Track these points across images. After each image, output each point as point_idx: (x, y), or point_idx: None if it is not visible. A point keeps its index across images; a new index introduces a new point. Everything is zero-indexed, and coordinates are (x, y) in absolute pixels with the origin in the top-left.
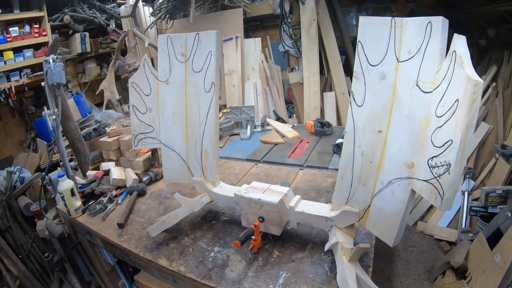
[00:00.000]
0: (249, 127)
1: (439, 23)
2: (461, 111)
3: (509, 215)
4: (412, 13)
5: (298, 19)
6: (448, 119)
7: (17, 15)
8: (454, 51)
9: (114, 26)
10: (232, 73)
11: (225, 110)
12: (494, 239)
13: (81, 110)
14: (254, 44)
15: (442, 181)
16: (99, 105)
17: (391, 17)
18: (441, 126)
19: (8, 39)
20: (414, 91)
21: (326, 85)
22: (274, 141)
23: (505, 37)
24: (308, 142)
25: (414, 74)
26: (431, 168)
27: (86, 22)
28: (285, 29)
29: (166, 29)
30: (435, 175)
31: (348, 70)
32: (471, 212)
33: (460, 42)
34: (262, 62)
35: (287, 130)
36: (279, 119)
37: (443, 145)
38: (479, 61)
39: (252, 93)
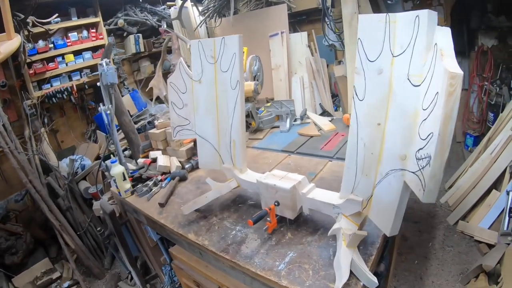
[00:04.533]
0: (288, 120)
1: (425, 16)
2: (439, 103)
3: None
4: (460, 1)
5: (340, 13)
6: (431, 112)
7: (75, 22)
8: (436, 43)
9: (165, 26)
10: (279, 67)
11: (267, 104)
12: None
13: (137, 105)
14: (300, 38)
15: (424, 173)
16: (157, 98)
17: (386, 14)
18: (425, 119)
19: (68, 44)
20: (406, 84)
21: None
22: (311, 133)
23: None
24: (342, 135)
25: (406, 68)
26: (417, 160)
27: (139, 24)
28: (327, 22)
29: (215, 27)
30: (420, 167)
31: None
32: (511, 214)
33: (442, 34)
34: (309, 56)
35: (324, 123)
36: (325, 112)
37: (426, 137)
38: None
39: (299, 86)
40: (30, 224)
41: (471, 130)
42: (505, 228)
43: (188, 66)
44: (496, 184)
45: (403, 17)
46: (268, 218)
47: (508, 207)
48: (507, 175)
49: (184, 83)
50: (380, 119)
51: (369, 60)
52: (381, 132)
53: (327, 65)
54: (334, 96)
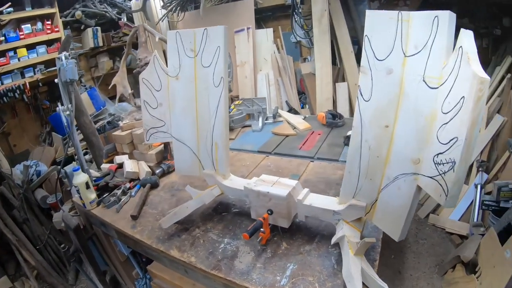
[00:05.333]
0: (260, 119)
1: (446, 17)
2: (466, 108)
3: None
4: (426, 2)
5: (310, 9)
6: (454, 116)
7: (29, 12)
8: (461, 46)
9: (125, 19)
10: (244, 64)
11: (237, 102)
12: (505, 234)
13: (95, 104)
14: (266, 35)
15: (446, 178)
16: (112, 98)
17: (398, 11)
18: (446, 123)
19: (21, 37)
20: (420, 86)
21: (339, 75)
22: (286, 132)
23: None
24: (319, 134)
25: (421, 69)
26: (436, 165)
27: (98, 16)
28: (296, 19)
29: (177, 21)
30: (440, 172)
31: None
32: (483, 206)
33: (466, 38)
34: (274, 52)
35: (299, 121)
36: (291, 110)
37: (448, 142)
38: (494, 51)
39: (265, 84)
40: None
41: None
42: (475, 220)
43: None
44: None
45: (419, 16)
46: (261, 229)
47: (479, 200)
48: (474, 169)
49: (159, 79)
50: (388, 121)
51: (378, 59)
52: (389, 135)
53: (293, 62)
54: (300, 93)
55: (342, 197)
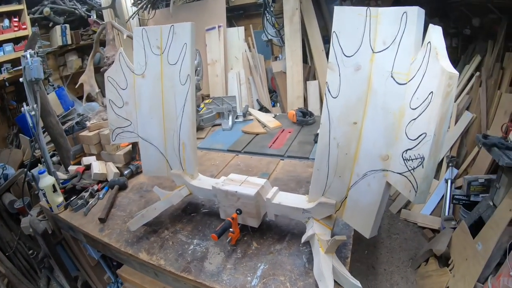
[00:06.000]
0: (230, 117)
1: (415, 13)
2: (435, 103)
3: (491, 204)
4: (396, 3)
5: (281, 8)
6: (422, 112)
7: None
8: (429, 42)
9: (95, 17)
10: (215, 62)
11: (207, 101)
12: (476, 227)
13: (63, 104)
14: (237, 33)
15: (416, 175)
16: (81, 98)
17: (366, 7)
18: (415, 119)
19: None
20: (388, 82)
21: (310, 74)
22: (256, 131)
23: (489, 27)
24: (289, 132)
25: (389, 65)
26: (405, 161)
27: (67, 13)
28: (267, 18)
29: (148, 19)
30: (409, 168)
31: None
32: (454, 201)
33: (435, 33)
34: (246, 51)
35: (269, 120)
36: (262, 108)
37: (417, 138)
38: (464, 51)
39: (236, 82)
40: None
41: None
42: (446, 214)
43: None
44: (435, 174)
45: (388, 12)
46: (230, 229)
47: (449, 194)
48: (444, 164)
49: (124, 77)
50: (356, 117)
51: (346, 55)
52: (357, 131)
53: (264, 61)
54: (271, 91)
55: (312, 195)
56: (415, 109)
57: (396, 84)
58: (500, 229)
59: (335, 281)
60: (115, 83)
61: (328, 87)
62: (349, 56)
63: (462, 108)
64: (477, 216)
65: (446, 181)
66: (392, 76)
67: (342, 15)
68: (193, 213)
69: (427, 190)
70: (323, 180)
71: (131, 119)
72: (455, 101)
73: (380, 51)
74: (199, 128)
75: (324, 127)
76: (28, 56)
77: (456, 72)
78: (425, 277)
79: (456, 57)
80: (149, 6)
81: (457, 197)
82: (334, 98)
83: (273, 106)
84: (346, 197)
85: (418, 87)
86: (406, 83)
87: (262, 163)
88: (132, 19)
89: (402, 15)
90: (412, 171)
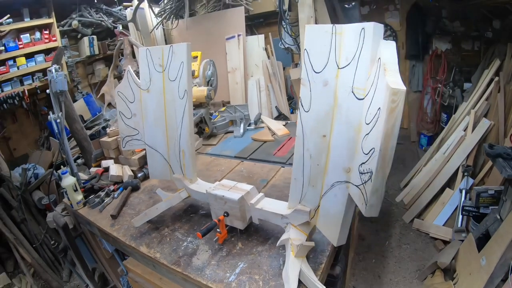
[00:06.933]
0: (242, 125)
1: (371, 29)
2: (381, 119)
3: (498, 217)
4: (415, 7)
5: (297, 16)
6: (373, 127)
7: (28, 23)
8: (379, 58)
9: (121, 28)
10: (235, 70)
11: (221, 109)
12: (484, 241)
13: (91, 110)
14: (257, 41)
15: (366, 188)
16: (109, 104)
17: (332, 25)
18: (368, 134)
19: (20, 46)
20: (350, 97)
21: None
22: (264, 138)
23: (511, 29)
24: None
25: (350, 80)
26: (360, 174)
27: (94, 25)
28: (284, 26)
29: (171, 29)
30: (362, 182)
31: None
32: (463, 212)
33: (386, 49)
34: (265, 59)
35: (278, 127)
36: (281, 115)
37: (368, 152)
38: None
39: (255, 89)
40: None
41: (425, 130)
42: (459, 225)
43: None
44: (449, 183)
45: (349, 28)
46: (218, 229)
47: (461, 205)
48: (459, 174)
49: (132, 92)
50: (325, 131)
51: (315, 72)
52: (326, 144)
53: (284, 68)
54: (290, 98)
55: (290, 202)
56: (368, 124)
57: (355, 99)
58: (505, 244)
59: (303, 284)
60: (124, 97)
61: (301, 101)
62: (318, 72)
63: (480, 115)
64: (484, 229)
65: (461, 191)
66: (352, 91)
67: (312, 33)
68: (192, 214)
69: (377, 204)
70: (300, 188)
71: (138, 128)
72: (473, 108)
73: (343, 67)
74: (212, 135)
75: (299, 139)
76: (54, 70)
77: (402, 88)
78: None
79: (479, 61)
80: (172, 16)
81: (467, 208)
82: (306, 112)
83: (292, 113)
84: (319, 206)
85: (371, 102)
86: (363, 98)
87: (264, 170)
88: (156, 29)
89: (361, 31)
90: (364, 184)
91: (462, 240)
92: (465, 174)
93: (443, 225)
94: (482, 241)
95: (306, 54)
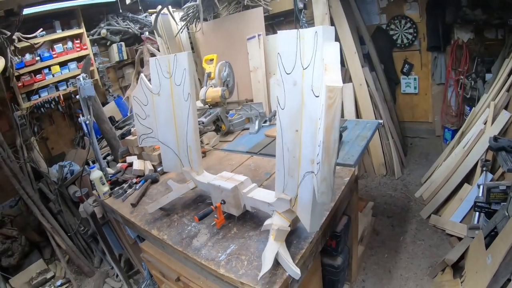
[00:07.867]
0: (257, 122)
1: (321, 32)
2: (323, 114)
3: (506, 214)
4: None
5: (312, 14)
6: (322, 122)
7: (60, 34)
8: (323, 58)
9: (147, 34)
10: (257, 69)
11: (238, 108)
12: (493, 238)
13: (121, 111)
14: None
15: (317, 177)
16: None
17: (297, 30)
18: (319, 128)
19: (54, 56)
20: (310, 95)
21: (346, 76)
22: (275, 134)
23: None
24: None
25: (310, 80)
26: (316, 165)
27: (122, 33)
28: (301, 25)
29: (195, 31)
30: (316, 171)
31: (369, 60)
32: (476, 208)
33: (329, 49)
34: None
35: None
36: None
37: (320, 144)
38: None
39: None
40: (25, 228)
41: (449, 124)
42: (475, 222)
43: None
44: (468, 178)
45: (308, 33)
46: (215, 215)
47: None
48: (478, 169)
49: (145, 96)
50: (297, 126)
51: (286, 73)
52: (299, 138)
53: None
54: None
55: (276, 192)
56: (320, 119)
57: (314, 96)
58: (510, 242)
59: (281, 266)
60: (139, 100)
61: (278, 100)
62: (288, 74)
63: (500, 107)
64: (493, 226)
65: (479, 187)
66: (312, 90)
67: (283, 39)
68: (200, 202)
69: (327, 191)
70: (282, 179)
71: (152, 127)
72: (493, 100)
73: (306, 68)
74: (229, 132)
75: (278, 134)
76: (81, 78)
77: (338, 85)
78: (439, 287)
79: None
80: (195, 20)
81: (479, 204)
82: (282, 110)
83: None
84: (297, 195)
85: (321, 99)
86: (319, 96)
87: (270, 163)
88: (181, 32)
89: (315, 34)
90: (316, 174)
91: (473, 237)
92: (484, 169)
93: (461, 221)
94: (492, 238)
95: (279, 58)
